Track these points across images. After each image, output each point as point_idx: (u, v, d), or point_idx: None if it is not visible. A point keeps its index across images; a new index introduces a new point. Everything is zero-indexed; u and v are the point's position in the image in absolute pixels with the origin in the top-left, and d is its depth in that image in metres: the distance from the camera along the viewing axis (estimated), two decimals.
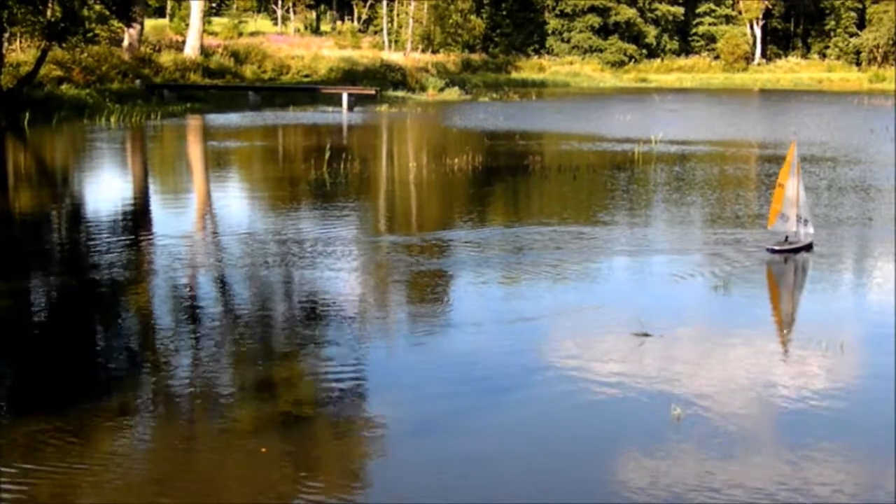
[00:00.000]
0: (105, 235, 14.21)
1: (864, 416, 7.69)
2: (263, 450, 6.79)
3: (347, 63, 57.55)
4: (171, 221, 16.05)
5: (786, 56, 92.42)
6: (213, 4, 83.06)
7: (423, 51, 69.90)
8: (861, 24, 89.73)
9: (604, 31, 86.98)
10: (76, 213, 17.10)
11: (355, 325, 9.87)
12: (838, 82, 77.92)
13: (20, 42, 38.10)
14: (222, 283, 11.62)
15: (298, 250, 13.07)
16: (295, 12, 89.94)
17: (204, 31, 54.57)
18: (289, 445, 6.93)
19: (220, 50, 52.42)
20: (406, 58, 65.33)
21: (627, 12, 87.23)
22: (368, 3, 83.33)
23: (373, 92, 44.88)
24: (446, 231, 14.77)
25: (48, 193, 19.56)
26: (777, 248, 13.28)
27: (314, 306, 10.52)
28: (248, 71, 51.20)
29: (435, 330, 9.82)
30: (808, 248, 13.41)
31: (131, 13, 39.51)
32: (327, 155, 22.26)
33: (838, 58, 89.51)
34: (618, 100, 53.77)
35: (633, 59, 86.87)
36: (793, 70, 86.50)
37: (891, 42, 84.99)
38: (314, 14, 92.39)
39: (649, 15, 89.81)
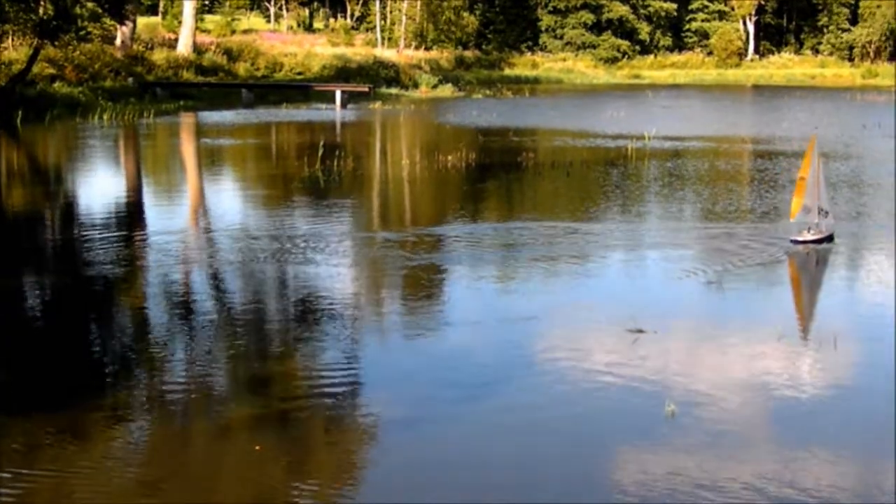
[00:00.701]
0: (98, 233, 14.19)
1: (864, 412, 7.71)
2: (257, 447, 6.79)
3: (340, 60, 57.50)
4: (165, 219, 16.02)
5: (779, 52, 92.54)
6: (206, 2, 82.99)
7: (417, 48, 69.89)
8: (854, 19, 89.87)
9: (597, 28, 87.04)
10: (69, 211, 17.07)
11: (348, 322, 9.86)
12: (831, 78, 78.02)
13: (12, 40, 38.02)
14: (215, 281, 11.61)
15: (291, 247, 13.05)
16: (288, 9, 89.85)
17: (197, 28, 54.52)
18: (282, 443, 6.93)
19: (212, 47, 52.35)
20: (399, 55, 65.32)
21: (620, 9, 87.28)
22: (361, 1, 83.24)
23: (366, 89, 44.85)
24: (439, 228, 14.76)
25: (41, 191, 19.53)
26: (800, 239, 13.42)
27: (307, 303, 10.51)
28: (241, 68, 51.13)
29: (428, 327, 9.82)
30: (830, 238, 13.60)
31: (124, 11, 39.50)
32: (321, 152, 22.25)
33: (831, 53, 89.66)
34: (611, 96, 53.79)
35: (626, 56, 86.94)
36: (785, 66, 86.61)
37: (883, 37, 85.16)
38: (307, 11, 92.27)
39: (642, 11, 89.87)
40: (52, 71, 36.62)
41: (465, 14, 77.26)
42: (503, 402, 7.71)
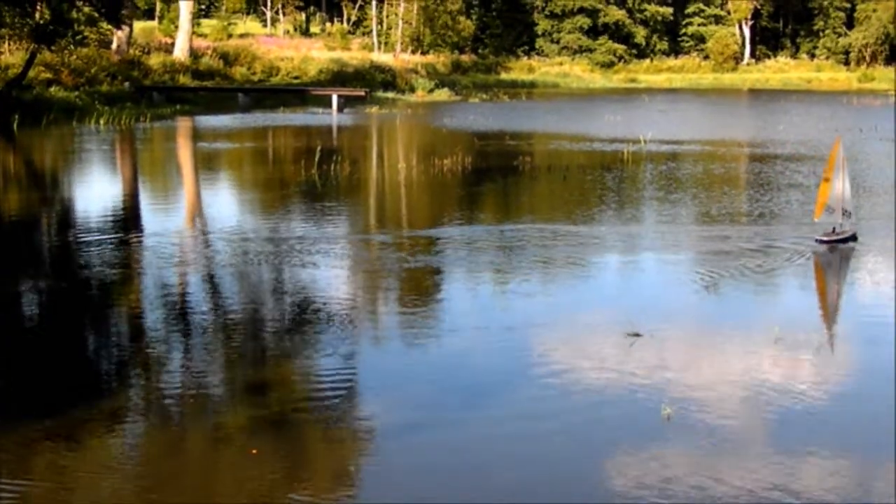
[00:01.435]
0: (95, 237, 14.17)
1: (863, 415, 7.71)
2: (254, 451, 6.78)
3: (337, 64, 57.56)
4: (161, 223, 16.00)
5: (775, 56, 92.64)
6: (203, 6, 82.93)
7: (413, 52, 69.93)
8: (850, 23, 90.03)
9: (593, 32, 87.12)
10: (66, 215, 17.05)
11: (344, 326, 9.85)
12: (827, 82, 78.14)
13: (8, 44, 38.01)
14: (213, 284, 11.60)
15: (289, 250, 13.05)
16: (284, 14, 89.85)
17: (193, 33, 54.51)
18: (278, 447, 6.93)
19: (209, 52, 52.37)
20: (395, 59, 65.38)
21: (617, 13, 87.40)
22: (358, 5, 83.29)
23: (362, 93, 44.87)
24: (435, 232, 14.75)
25: (37, 196, 19.50)
26: (825, 238, 13.64)
27: (303, 308, 10.50)
28: (238, 73, 51.16)
29: (424, 330, 9.82)
30: (853, 238, 13.84)
31: (120, 15, 39.52)
32: (317, 156, 22.25)
33: (827, 57, 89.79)
34: (607, 100, 53.84)
35: (622, 60, 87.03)
36: (782, 70, 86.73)
37: (879, 42, 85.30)
38: (303, 16, 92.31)
39: (638, 15, 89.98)
40: (48, 75, 36.61)
41: (462, 18, 77.29)
42: (500, 406, 7.71)
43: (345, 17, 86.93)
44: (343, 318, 10.11)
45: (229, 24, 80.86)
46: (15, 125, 29.71)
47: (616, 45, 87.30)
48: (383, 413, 7.52)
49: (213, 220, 16.47)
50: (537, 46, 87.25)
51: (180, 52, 49.28)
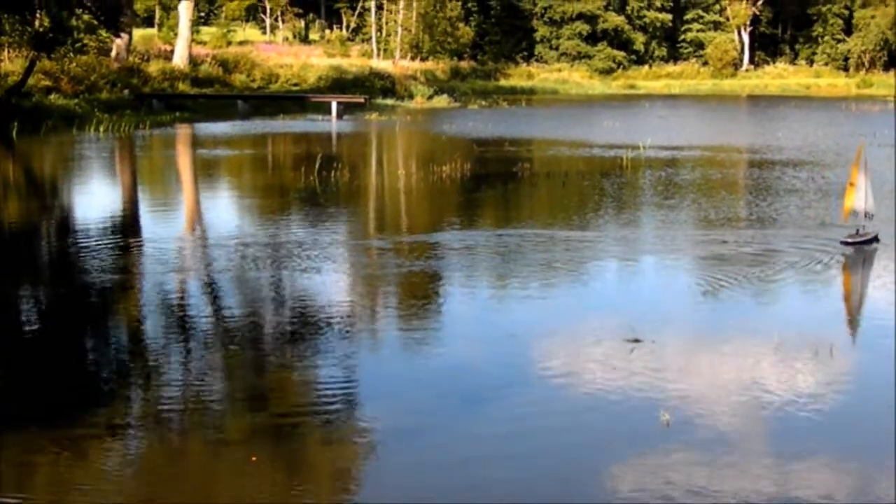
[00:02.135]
0: (94, 244, 14.16)
1: (863, 420, 7.71)
2: (253, 458, 6.77)
3: (336, 71, 57.63)
4: (161, 230, 16.00)
5: (774, 62, 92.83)
6: (202, 14, 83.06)
7: (412, 59, 70.02)
8: (848, 29, 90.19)
9: (592, 39, 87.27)
10: (65, 222, 17.04)
11: (344, 332, 9.84)
12: (826, 88, 78.25)
13: (8, 52, 38.06)
14: (212, 291, 11.60)
15: (289, 257, 13.04)
16: (283, 21, 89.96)
17: (192, 40, 54.58)
18: (278, 453, 6.92)
19: (208, 59, 52.44)
20: (395, 66, 65.46)
21: (615, 19, 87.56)
22: (357, 12, 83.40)
23: (362, 100, 44.91)
24: (435, 238, 14.73)
25: (37, 203, 19.50)
26: (850, 240, 13.94)
27: (303, 314, 10.49)
28: (237, 80, 51.22)
29: (424, 336, 9.81)
30: (876, 239, 14.16)
31: (119, 23, 39.57)
32: (317, 163, 22.25)
33: (826, 63, 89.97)
34: (606, 106, 53.88)
35: (621, 66, 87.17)
36: (781, 76, 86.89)
37: (878, 47, 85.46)
38: (303, 23, 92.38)
39: (637, 22, 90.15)
40: (47, 83, 36.64)
41: (461, 25, 77.45)
42: (498, 412, 7.70)
43: (344, 24, 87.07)
44: (343, 323, 10.11)
45: (228, 31, 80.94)
46: (14, 133, 29.71)
47: (615, 52, 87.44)
48: (383, 419, 7.50)
49: (212, 227, 16.46)
50: (536, 53, 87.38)
51: (180, 60, 49.33)
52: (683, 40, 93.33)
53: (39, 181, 23.61)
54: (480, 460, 6.82)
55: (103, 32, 43.31)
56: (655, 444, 7.01)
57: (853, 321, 10.85)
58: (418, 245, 14.12)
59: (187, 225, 17.02)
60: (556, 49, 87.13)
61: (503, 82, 74.19)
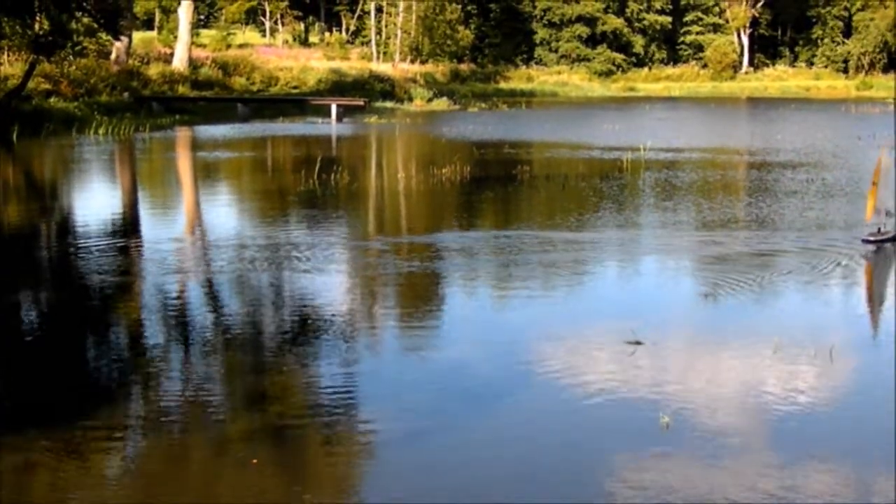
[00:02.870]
0: (94, 246, 14.15)
1: (863, 423, 7.70)
2: (254, 461, 6.77)
3: (336, 74, 57.68)
4: (161, 232, 15.99)
5: (773, 64, 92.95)
6: (202, 17, 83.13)
7: (412, 61, 70.08)
8: (848, 32, 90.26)
9: (592, 41, 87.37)
10: (65, 225, 17.03)
11: (344, 334, 9.83)
12: (825, 90, 78.32)
13: (8, 55, 38.07)
14: (213, 293, 11.59)
15: (289, 259, 13.04)
16: (283, 24, 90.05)
17: (192, 43, 54.60)
18: (279, 455, 6.91)
19: (208, 62, 52.46)
20: (394, 69, 65.53)
21: (615, 22, 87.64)
22: (357, 15, 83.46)
23: (361, 103, 44.93)
24: (435, 239, 14.73)
25: (37, 206, 19.50)
26: (871, 238, 14.10)
27: (303, 316, 10.48)
28: (237, 83, 51.24)
29: (424, 337, 9.80)
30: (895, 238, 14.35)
31: (119, 26, 39.58)
32: (317, 166, 22.25)
33: (825, 66, 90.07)
34: (606, 109, 53.90)
35: (620, 69, 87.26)
36: (780, 78, 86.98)
37: (877, 50, 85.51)
38: (302, 26, 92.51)
39: (637, 24, 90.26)
40: (47, 86, 36.62)
41: (461, 28, 77.51)
42: (499, 413, 7.69)
43: (343, 27, 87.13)
44: (343, 325, 10.10)
45: (228, 34, 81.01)
46: (14, 136, 29.71)
47: (614, 54, 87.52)
48: (383, 420, 7.50)
49: (212, 229, 16.46)
50: (536, 55, 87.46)
51: (179, 63, 49.34)
52: (683, 43, 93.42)
53: (40, 184, 23.61)
54: (480, 461, 6.81)
55: (103, 35, 43.39)
56: (655, 446, 7.00)
57: (874, 321, 10.83)
58: (418, 247, 14.12)
59: (187, 227, 17.02)
60: (556, 51, 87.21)
61: (503, 85, 74.27)
